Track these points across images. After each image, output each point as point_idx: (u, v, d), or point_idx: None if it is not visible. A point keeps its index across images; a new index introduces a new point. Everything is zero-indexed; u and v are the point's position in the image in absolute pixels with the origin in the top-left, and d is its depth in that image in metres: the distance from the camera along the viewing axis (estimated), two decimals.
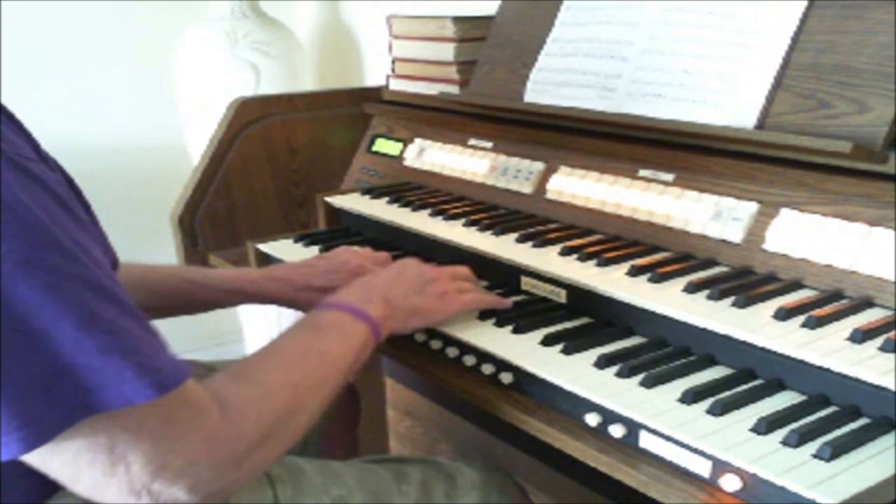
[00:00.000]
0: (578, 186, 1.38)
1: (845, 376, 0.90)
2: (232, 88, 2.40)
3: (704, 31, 1.30)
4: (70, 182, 0.91)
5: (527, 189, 1.46)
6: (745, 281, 1.10)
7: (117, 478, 0.75)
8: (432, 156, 1.66)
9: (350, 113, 1.89)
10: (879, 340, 0.93)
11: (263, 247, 1.54)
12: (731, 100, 1.25)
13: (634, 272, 1.15)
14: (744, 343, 0.99)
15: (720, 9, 1.29)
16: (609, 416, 0.94)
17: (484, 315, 1.17)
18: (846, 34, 1.16)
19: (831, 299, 1.04)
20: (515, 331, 1.12)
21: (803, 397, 0.94)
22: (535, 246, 1.28)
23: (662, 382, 0.97)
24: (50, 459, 0.75)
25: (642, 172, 1.31)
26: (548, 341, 1.09)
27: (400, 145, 1.75)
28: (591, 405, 0.96)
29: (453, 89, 1.72)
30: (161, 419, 0.77)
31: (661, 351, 1.06)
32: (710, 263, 1.18)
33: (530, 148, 1.50)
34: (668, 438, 0.88)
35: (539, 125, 1.50)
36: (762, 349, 0.97)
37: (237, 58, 2.52)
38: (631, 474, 0.90)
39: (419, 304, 1.12)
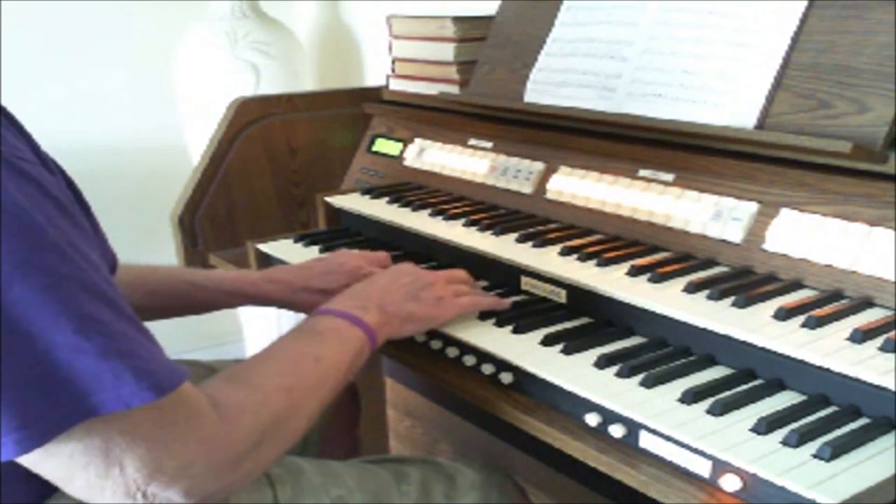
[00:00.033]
0: (578, 186, 1.38)
1: (845, 376, 0.90)
2: (232, 88, 2.40)
3: (704, 31, 1.30)
4: (70, 184, 0.91)
5: (527, 189, 1.46)
6: (745, 281, 1.10)
7: (112, 480, 0.75)
8: (432, 156, 1.66)
9: (350, 113, 1.88)
10: (879, 340, 0.93)
11: (263, 247, 1.54)
12: (731, 100, 1.25)
13: (634, 272, 1.15)
14: (744, 343, 0.99)
15: (720, 9, 1.29)
16: (609, 416, 0.94)
17: (484, 315, 1.17)
18: (846, 34, 1.16)
19: (831, 299, 1.04)
20: (515, 331, 1.12)
21: (803, 397, 0.94)
22: (535, 246, 1.28)
23: (662, 382, 0.97)
24: (44, 461, 0.75)
25: (642, 172, 1.31)
26: (548, 341, 1.09)
27: (400, 145, 1.75)
28: (591, 405, 0.96)
29: (453, 89, 1.72)
30: (157, 422, 0.76)
31: (661, 351, 1.06)
32: (710, 263, 1.18)
33: (530, 148, 1.50)
34: (668, 438, 0.88)
35: (539, 125, 1.50)
36: (762, 349, 0.97)
37: (237, 58, 2.51)
38: (631, 474, 0.90)
39: (414, 310, 1.12)
